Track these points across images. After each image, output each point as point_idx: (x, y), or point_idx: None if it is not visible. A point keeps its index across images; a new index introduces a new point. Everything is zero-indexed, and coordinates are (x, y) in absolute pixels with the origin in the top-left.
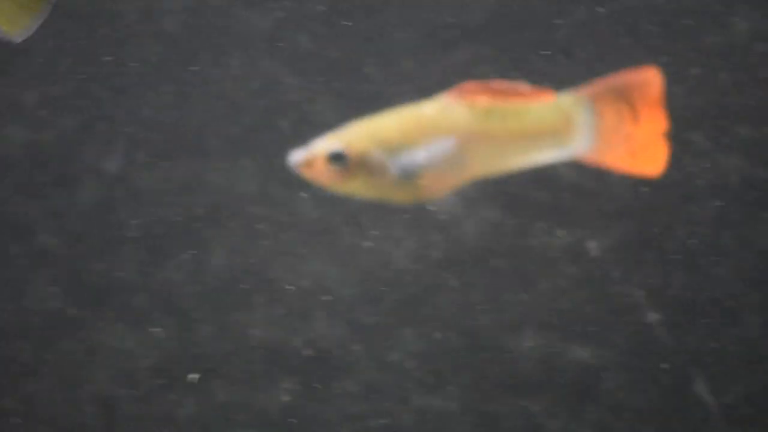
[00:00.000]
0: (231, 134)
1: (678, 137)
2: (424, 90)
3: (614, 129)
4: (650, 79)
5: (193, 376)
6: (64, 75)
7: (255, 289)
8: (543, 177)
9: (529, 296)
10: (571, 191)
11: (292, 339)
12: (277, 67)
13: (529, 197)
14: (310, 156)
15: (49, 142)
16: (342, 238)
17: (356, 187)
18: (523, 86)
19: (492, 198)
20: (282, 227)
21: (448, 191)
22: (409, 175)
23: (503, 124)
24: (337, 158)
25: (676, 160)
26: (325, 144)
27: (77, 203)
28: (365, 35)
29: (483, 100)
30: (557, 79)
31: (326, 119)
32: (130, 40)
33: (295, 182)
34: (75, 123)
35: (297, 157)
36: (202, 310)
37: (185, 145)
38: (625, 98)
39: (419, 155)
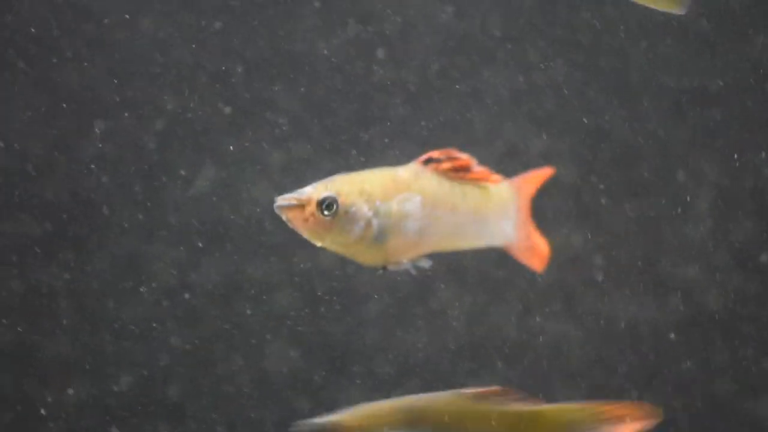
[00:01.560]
0: None
1: None
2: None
3: (526, 222)
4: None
5: None
6: None
7: None
8: None
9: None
10: None
11: None
12: None
13: None
14: (305, 199)
15: None
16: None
17: (333, 239)
18: (474, 163)
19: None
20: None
21: (408, 259)
22: (383, 234)
23: (464, 201)
24: (329, 205)
25: None
26: (316, 191)
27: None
28: None
29: (448, 174)
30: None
31: None
32: None
33: None
34: None
35: (284, 200)
36: None
37: None
38: (529, 197)
39: (397, 215)
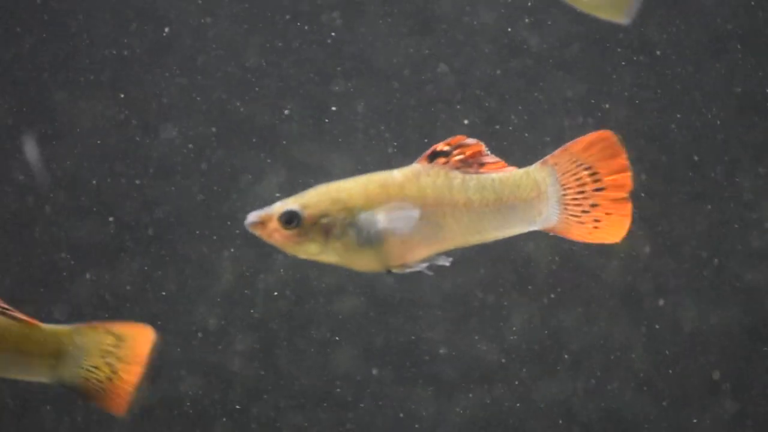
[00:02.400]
0: None
1: None
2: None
3: (578, 199)
4: (606, 142)
5: None
6: None
7: None
8: None
9: None
10: None
11: None
12: None
13: None
14: (265, 216)
15: None
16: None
17: (314, 251)
18: (483, 148)
19: None
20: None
21: (417, 260)
22: (371, 241)
23: (480, 194)
24: (289, 219)
25: None
26: (280, 205)
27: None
28: None
29: (458, 170)
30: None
31: None
32: None
33: None
34: None
35: (252, 217)
36: None
37: None
38: (585, 166)
39: (380, 220)
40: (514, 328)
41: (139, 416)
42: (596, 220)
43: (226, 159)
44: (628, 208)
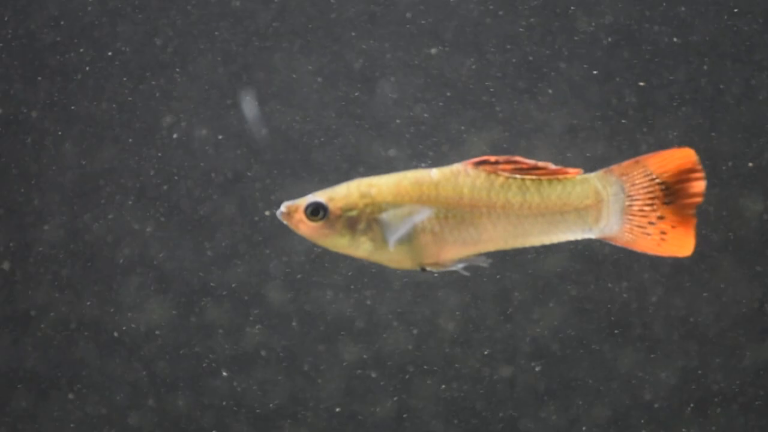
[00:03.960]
0: None
1: None
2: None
3: (645, 210)
4: (686, 160)
5: None
6: None
7: None
8: None
9: None
10: None
11: None
12: None
13: None
14: (292, 207)
15: None
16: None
17: (343, 244)
18: (547, 163)
19: None
20: None
21: (453, 260)
22: (402, 238)
23: (521, 197)
24: (314, 211)
25: None
26: (309, 197)
27: None
28: None
29: (502, 173)
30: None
31: None
32: None
33: None
34: None
35: (282, 207)
36: None
37: None
38: (659, 180)
39: (409, 218)
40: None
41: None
42: (663, 233)
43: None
44: (692, 222)
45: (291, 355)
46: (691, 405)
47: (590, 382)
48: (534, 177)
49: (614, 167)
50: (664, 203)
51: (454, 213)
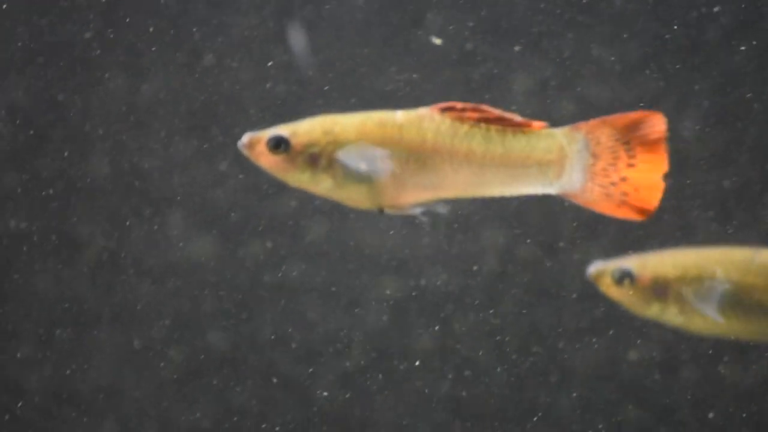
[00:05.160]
0: None
1: None
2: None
3: (608, 170)
4: (654, 124)
5: None
6: None
7: None
8: None
9: None
10: None
11: None
12: None
13: None
14: (254, 138)
15: None
16: None
17: (303, 180)
18: (514, 114)
19: None
20: None
21: (412, 204)
22: (362, 178)
23: (485, 146)
24: (276, 144)
25: None
26: (272, 129)
27: None
28: None
29: (467, 120)
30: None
31: None
32: None
33: None
34: None
35: (244, 138)
36: None
37: None
38: (625, 141)
39: (372, 158)
40: None
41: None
42: (624, 194)
43: None
44: (660, 185)
45: (333, 289)
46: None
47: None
48: (499, 127)
49: (581, 124)
50: (629, 165)
51: (416, 157)
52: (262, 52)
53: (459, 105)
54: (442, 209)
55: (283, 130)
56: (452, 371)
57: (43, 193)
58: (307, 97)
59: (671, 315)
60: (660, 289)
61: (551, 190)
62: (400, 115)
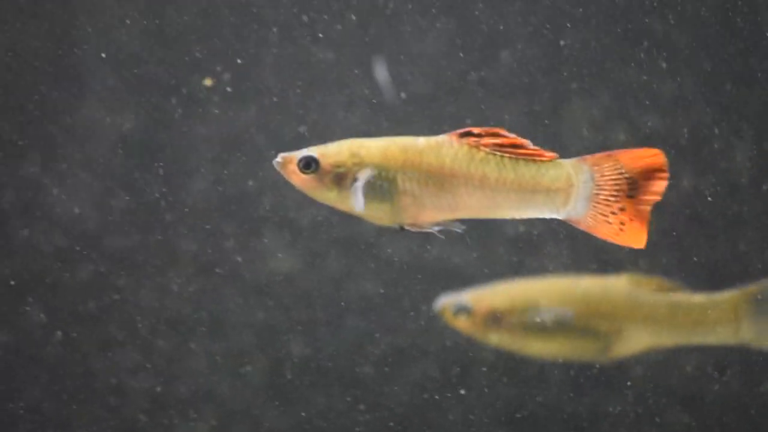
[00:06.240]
0: None
1: None
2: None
3: (610, 201)
4: (655, 159)
5: None
6: None
7: None
8: None
9: None
10: None
11: None
12: None
13: None
14: (288, 158)
15: None
16: None
17: (330, 198)
18: (527, 141)
19: None
20: None
21: (430, 222)
22: (383, 197)
23: (498, 172)
24: (307, 164)
25: None
26: (304, 150)
27: None
28: None
29: (483, 148)
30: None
31: None
32: None
33: None
34: None
35: (278, 158)
36: None
37: None
38: (627, 174)
39: (394, 180)
40: None
41: None
42: (622, 223)
43: None
44: (647, 217)
45: (407, 301)
46: None
47: None
48: (512, 155)
49: (588, 157)
50: (627, 196)
51: (434, 180)
52: (344, 83)
53: (476, 130)
54: (458, 228)
55: (313, 151)
56: (515, 378)
57: (149, 213)
58: (381, 123)
59: (507, 341)
60: (494, 319)
61: (558, 215)
62: (421, 141)
